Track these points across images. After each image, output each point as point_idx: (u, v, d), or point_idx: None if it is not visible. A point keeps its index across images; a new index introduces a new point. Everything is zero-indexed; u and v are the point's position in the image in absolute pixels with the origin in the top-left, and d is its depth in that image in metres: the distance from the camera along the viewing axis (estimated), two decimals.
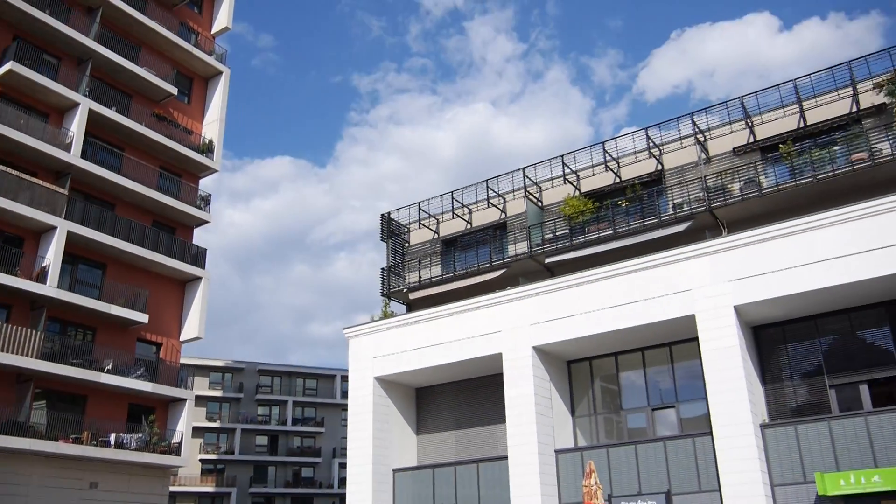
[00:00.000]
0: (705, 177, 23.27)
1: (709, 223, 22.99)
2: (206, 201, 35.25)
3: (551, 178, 27.64)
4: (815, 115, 22.96)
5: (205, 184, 36.50)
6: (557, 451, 22.03)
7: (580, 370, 23.70)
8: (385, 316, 28.17)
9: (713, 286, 19.98)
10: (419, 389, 26.75)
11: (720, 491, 18.76)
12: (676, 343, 22.03)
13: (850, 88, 22.43)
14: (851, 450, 17.97)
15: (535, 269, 25.94)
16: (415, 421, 26.50)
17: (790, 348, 20.52)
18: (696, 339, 20.25)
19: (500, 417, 23.71)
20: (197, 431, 60.64)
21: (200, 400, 62.77)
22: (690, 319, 20.24)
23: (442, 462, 24.81)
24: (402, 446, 25.64)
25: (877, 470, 17.24)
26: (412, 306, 28.59)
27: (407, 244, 30.51)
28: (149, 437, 29.40)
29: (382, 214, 30.32)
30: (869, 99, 22.21)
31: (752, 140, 23.75)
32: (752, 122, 23.81)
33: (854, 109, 22.37)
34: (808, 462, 18.36)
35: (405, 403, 26.27)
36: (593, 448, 21.83)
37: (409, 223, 30.62)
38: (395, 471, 24.92)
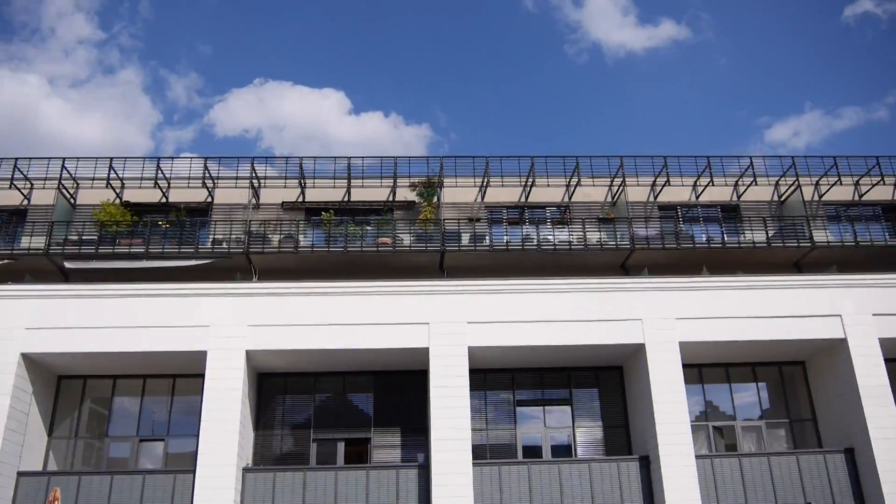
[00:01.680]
0: (250, 221, 23.92)
1: (243, 266, 23.53)
2: None
3: (93, 178, 25.64)
4: (359, 194, 25.41)
5: None
6: (20, 474, 19.78)
7: (71, 388, 21.82)
8: None
9: (231, 327, 20.26)
10: None
11: None
12: (181, 376, 21.72)
13: (392, 181, 25.35)
14: (319, 500, 19.52)
15: (47, 269, 23.54)
16: None
17: (288, 399, 21.74)
18: (203, 375, 20.25)
19: None
20: None
21: None
22: (201, 355, 20.19)
23: None
24: None
25: None
26: None
27: None
28: None
29: None
30: (404, 194, 25.36)
31: (300, 199, 25.23)
32: (304, 184, 25.33)
33: (391, 199, 25.32)
34: None
35: None
36: (63, 474, 20.10)
37: None
38: None
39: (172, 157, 26.05)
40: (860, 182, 26.68)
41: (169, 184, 25.68)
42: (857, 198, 26.83)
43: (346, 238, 23.65)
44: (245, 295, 20.70)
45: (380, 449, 21.29)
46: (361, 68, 77.40)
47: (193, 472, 19.26)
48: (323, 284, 20.85)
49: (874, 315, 21.44)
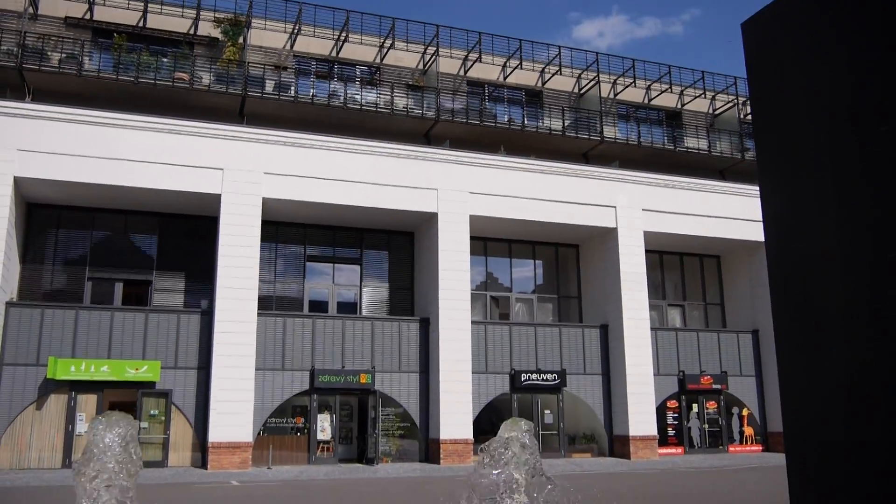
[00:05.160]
0: (25, 33, 21.23)
1: (14, 83, 21.03)
2: None
3: None
4: (156, 22, 23.24)
5: None
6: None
7: None
8: None
9: None
10: None
11: None
12: None
13: (195, 12, 23.39)
14: (91, 340, 18.73)
15: None
16: None
17: (61, 233, 20.26)
18: None
19: None
20: None
21: None
22: None
23: None
24: None
25: (107, 361, 18.39)
26: None
27: None
28: None
29: None
30: (206, 29, 23.57)
31: (89, 17, 22.67)
32: (94, 0, 22.70)
33: (192, 32, 23.45)
34: (46, 345, 18.40)
35: None
36: None
37: None
38: None
39: None
40: (651, 87, 28.55)
41: None
42: (646, 101, 28.76)
43: (138, 67, 21.76)
44: (15, 115, 18.62)
45: (162, 292, 20.62)
46: None
47: None
48: (108, 114, 19.25)
49: (643, 210, 23.57)
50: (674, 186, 24.22)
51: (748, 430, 24.95)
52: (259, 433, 19.59)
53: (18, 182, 18.49)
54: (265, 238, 20.62)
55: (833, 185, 2.53)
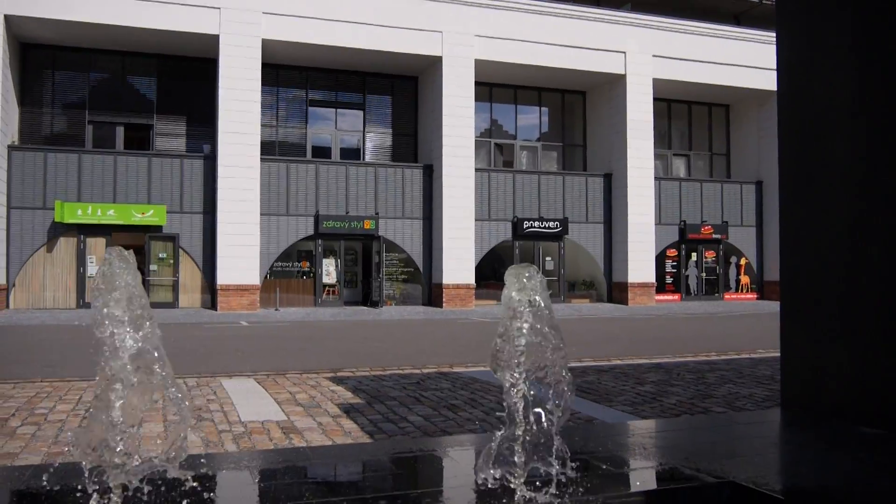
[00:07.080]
0: None
1: None
2: None
3: None
4: None
5: None
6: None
7: None
8: None
9: None
10: None
11: None
12: None
13: None
14: (96, 184, 18.82)
15: None
16: None
17: (58, 76, 19.86)
18: None
19: None
20: None
21: None
22: None
23: None
24: None
25: (113, 205, 18.56)
26: None
27: None
28: None
29: None
30: None
31: None
32: None
33: None
34: (52, 189, 18.52)
35: None
36: None
37: None
38: None
39: None
40: None
41: None
42: None
43: None
44: None
45: (163, 137, 20.47)
46: None
47: None
48: None
49: (653, 56, 22.93)
50: (686, 31, 23.43)
51: (744, 279, 25.51)
52: (266, 276, 20.08)
53: (9, 20, 17.93)
54: (266, 82, 20.24)
55: (853, 33, 2.45)
